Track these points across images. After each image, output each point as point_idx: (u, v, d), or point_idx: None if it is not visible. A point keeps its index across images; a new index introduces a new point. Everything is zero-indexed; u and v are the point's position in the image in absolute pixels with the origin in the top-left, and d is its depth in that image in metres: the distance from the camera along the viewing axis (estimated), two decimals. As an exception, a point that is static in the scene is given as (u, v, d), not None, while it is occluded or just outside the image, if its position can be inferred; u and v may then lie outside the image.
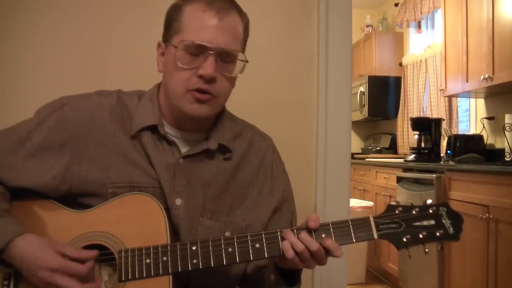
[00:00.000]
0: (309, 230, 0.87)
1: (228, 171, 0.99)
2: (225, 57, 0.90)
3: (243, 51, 0.95)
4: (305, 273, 1.51)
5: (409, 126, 3.78)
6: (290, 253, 0.84)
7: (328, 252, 0.85)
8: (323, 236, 0.86)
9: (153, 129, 0.94)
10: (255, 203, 1.01)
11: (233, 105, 1.06)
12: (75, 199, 0.92)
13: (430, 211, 0.88)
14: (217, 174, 0.97)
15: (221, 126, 0.99)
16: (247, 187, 1.01)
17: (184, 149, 0.96)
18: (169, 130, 0.96)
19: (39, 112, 0.96)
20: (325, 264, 0.87)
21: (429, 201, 0.89)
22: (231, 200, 0.99)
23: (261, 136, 1.08)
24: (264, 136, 1.09)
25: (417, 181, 2.99)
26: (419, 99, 4.22)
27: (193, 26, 0.88)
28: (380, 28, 4.96)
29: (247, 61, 0.95)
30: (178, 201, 0.92)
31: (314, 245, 0.84)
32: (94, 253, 0.84)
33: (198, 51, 0.88)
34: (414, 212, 0.88)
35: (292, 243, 0.84)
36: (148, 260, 0.84)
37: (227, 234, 0.94)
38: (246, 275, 1.02)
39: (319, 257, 0.85)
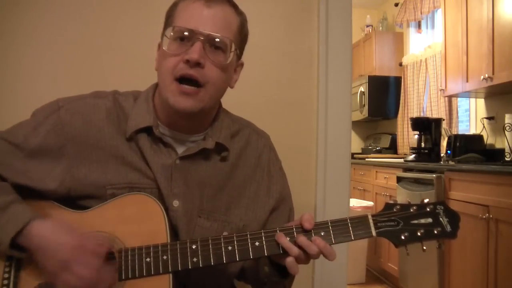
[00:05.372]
0: (305, 231, 0.87)
1: (224, 171, 0.99)
2: (214, 44, 0.89)
3: (237, 43, 0.94)
4: (305, 273, 1.52)
5: (409, 126, 3.78)
6: (294, 267, 0.85)
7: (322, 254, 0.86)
8: (322, 234, 0.87)
9: (149, 130, 0.94)
10: (252, 202, 1.01)
11: (233, 105, 1.06)
12: (74, 201, 0.92)
13: (428, 209, 0.89)
14: (214, 174, 0.97)
15: (218, 125, 0.99)
16: (244, 186, 1.01)
17: (180, 150, 0.96)
18: (164, 131, 0.96)
19: (35, 114, 0.95)
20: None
21: (426, 200, 0.90)
22: (228, 199, 0.99)
23: (258, 134, 1.08)
24: (261, 134, 1.09)
25: (417, 181, 2.99)
26: (419, 99, 4.22)
27: (182, 16, 0.90)
28: (380, 28, 4.96)
29: (237, 51, 0.94)
30: (176, 203, 0.92)
31: (313, 249, 0.85)
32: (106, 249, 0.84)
33: (186, 37, 0.88)
34: (411, 210, 0.89)
35: (287, 249, 0.85)
36: (148, 259, 0.84)
37: (225, 234, 0.94)
38: (243, 267, 1.02)
39: (315, 257, 0.86)
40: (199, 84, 0.88)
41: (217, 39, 0.88)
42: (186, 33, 0.88)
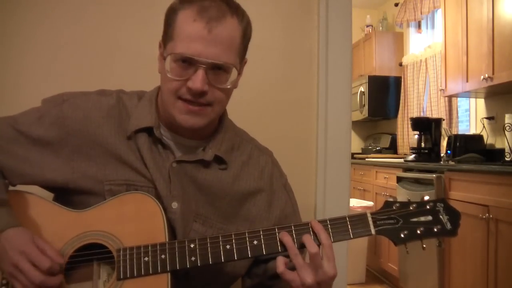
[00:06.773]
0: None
1: (224, 181, 0.98)
2: (217, 68, 0.87)
3: (240, 58, 0.92)
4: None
5: (409, 126, 3.78)
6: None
7: None
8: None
9: (150, 131, 0.94)
10: (251, 215, 1.00)
11: (233, 105, 1.05)
12: (72, 197, 0.93)
13: (427, 207, 0.88)
14: (212, 182, 0.97)
15: (220, 136, 0.98)
16: (245, 198, 1.00)
17: (179, 153, 0.96)
18: (164, 133, 0.96)
19: (43, 103, 0.98)
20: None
21: (426, 198, 0.90)
22: (227, 209, 0.98)
23: (260, 150, 1.07)
24: (264, 151, 1.08)
25: (417, 181, 2.99)
26: (419, 99, 4.22)
27: (183, 37, 0.85)
28: (380, 28, 4.96)
29: (239, 74, 0.94)
30: (175, 205, 0.92)
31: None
32: (60, 260, 0.83)
33: (188, 62, 0.86)
34: (411, 208, 0.88)
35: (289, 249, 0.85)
36: (146, 258, 0.84)
37: None
38: None
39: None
40: (204, 105, 0.89)
41: (219, 65, 0.87)
42: (188, 59, 0.85)
